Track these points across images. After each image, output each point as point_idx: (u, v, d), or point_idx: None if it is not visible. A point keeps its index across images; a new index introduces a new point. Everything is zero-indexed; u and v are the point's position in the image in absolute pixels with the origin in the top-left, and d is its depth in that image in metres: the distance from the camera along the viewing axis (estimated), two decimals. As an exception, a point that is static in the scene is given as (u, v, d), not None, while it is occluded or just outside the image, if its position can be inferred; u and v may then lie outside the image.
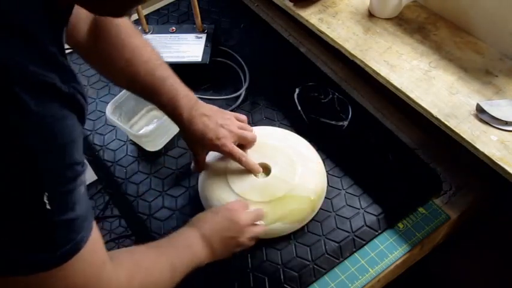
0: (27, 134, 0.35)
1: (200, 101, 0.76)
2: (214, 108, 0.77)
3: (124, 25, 0.71)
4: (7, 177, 0.35)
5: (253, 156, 0.76)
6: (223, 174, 0.76)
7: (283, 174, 0.75)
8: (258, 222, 0.71)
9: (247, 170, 0.75)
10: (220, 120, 0.75)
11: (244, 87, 0.95)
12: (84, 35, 0.69)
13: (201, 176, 0.79)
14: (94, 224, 0.46)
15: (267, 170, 0.77)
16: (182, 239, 0.64)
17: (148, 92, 0.71)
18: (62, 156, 0.38)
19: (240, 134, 0.76)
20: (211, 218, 0.68)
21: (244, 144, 0.77)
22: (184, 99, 0.72)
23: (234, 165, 0.76)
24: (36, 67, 0.35)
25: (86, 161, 0.44)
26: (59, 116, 0.37)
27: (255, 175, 0.75)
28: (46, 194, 0.37)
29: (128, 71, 0.70)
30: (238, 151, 0.74)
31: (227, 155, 0.74)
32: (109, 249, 0.50)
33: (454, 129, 0.73)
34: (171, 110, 0.72)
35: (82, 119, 0.41)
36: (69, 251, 0.41)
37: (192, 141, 0.74)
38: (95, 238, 0.45)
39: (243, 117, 0.80)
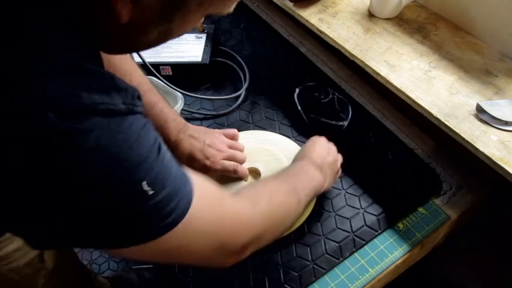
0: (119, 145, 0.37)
1: (189, 124, 0.77)
2: (202, 128, 0.79)
3: None
4: (106, 179, 0.37)
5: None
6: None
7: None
8: None
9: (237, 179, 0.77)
10: (207, 140, 0.76)
11: (244, 87, 0.95)
12: None
13: None
14: (195, 173, 0.47)
15: (256, 174, 0.77)
16: (298, 168, 0.67)
17: None
18: (140, 149, 0.39)
19: (229, 154, 0.77)
20: (314, 147, 0.73)
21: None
22: (172, 123, 0.74)
23: (221, 174, 0.76)
24: (103, 97, 0.37)
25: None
26: (120, 121, 0.38)
27: (245, 180, 0.77)
28: (145, 181, 0.39)
29: None
30: (230, 164, 0.75)
31: (221, 171, 0.75)
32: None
33: (454, 129, 0.73)
34: (160, 135, 0.73)
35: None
36: (182, 209, 0.43)
37: (182, 163, 0.75)
38: (202, 185, 0.47)
39: (232, 131, 0.82)
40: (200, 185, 0.46)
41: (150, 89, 0.74)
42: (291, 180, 0.62)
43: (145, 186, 0.39)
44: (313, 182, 0.66)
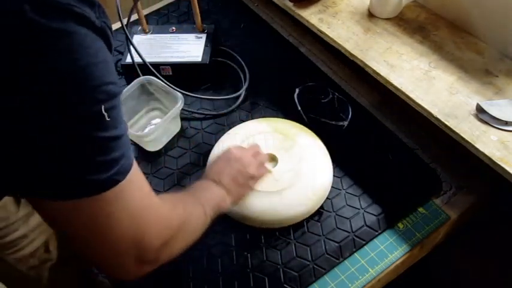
0: (77, 53, 0.37)
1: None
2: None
3: None
4: (66, 95, 0.37)
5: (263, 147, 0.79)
6: None
7: (289, 167, 0.77)
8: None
9: None
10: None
11: (244, 87, 0.95)
12: None
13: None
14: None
15: (273, 161, 0.78)
16: (198, 186, 0.66)
17: None
18: (105, 71, 0.39)
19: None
20: (213, 164, 0.71)
21: None
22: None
23: None
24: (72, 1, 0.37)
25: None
26: (94, 38, 0.39)
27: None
28: (103, 105, 0.38)
29: None
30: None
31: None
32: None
33: (454, 129, 0.73)
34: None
35: (110, 51, 0.43)
36: (124, 167, 0.42)
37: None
38: (137, 167, 0.47)
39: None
40: (136, 166, 0.46)
41: None
42: (197, 194, 0.62)
43: (103, 110, 0.38)
44: (214, 197, 0.64)
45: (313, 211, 0.76)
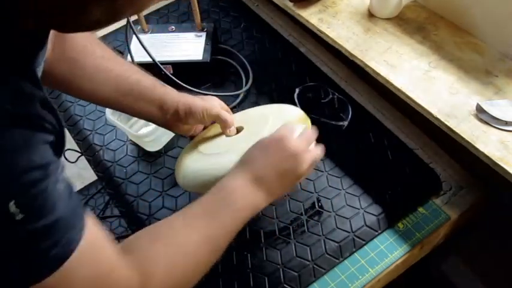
0: None
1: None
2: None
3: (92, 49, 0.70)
4: None
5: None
6: (195, 146, 0.74)
7: (253, 130, 0.71)
8: (312, 146, 0.63)
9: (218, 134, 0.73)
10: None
11: (245, 88, 0.95)
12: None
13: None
14: (94, 226, 0.43)
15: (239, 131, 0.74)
16: (225, 196, 0.56)
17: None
18: (14, 163, 0.35)
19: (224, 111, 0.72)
20: (261, 153, 0.60)
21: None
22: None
23: (204, 134, 0.75)
24: None
25: (63, 159, 0.42)
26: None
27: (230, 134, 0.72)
28: (12, 202, 0.34)
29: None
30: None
31: (223, 114, 0.71)
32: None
33: (454, 129, 0.73)
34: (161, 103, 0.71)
35: (43, 130, 0.39)
36: (59, 255, 0.39)
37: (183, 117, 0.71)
38: (96, 242, 0.43)
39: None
40: (94, 243, 0.42)
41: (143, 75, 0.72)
42: (208, 223, 0.53)
43: (12, 207, 0.34)
44: (241, 214, 0.56)
45: None
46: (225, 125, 0.72)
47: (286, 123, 0.66)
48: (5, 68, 0.37)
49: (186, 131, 0.75)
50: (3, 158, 0.34)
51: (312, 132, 0.64)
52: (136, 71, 0.72)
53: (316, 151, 0.63)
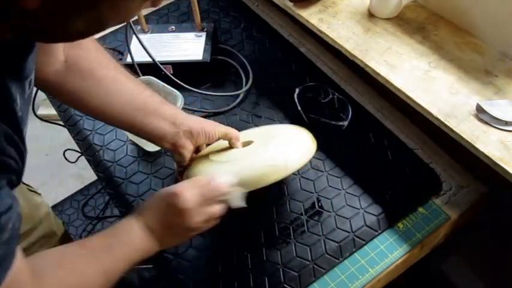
0: None
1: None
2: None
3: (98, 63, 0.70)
4: None
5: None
6: (205, 156, 0.74)
7: (262, 141, 0.73)
8: (225, 183, 0.63)
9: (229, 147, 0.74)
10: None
11: (245, 88, 0.95)
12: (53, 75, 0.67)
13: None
14: (19, 257, 0.45)
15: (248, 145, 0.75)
16: (119, 235, 0.60)
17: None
18: None
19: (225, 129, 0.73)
20: (154, 205, 0.63)
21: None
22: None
23: (215, 147, 0.75)
24: None
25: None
26: None
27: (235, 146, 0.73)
28: None
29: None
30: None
31: (230, 129, 0.73)
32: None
33: (454, 129, 0.73)
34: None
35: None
36: None
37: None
38: (17, 274, 0.44)
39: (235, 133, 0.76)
40: (17, 280, 0.44)
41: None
42: (103, 258, 0.57)
43: None
44: (133, 254, 0.59)
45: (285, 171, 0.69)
46: (235, 138, 0.73)
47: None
48: None
49: (187, 154, 0.72)
50: None
51: (214, 187, 0.62)
52: (146, 87, 0.72)
53: (213, 209, 0.62)
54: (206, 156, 0.74)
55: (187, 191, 0.61)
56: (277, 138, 0.73)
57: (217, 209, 0.63)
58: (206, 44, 0.97)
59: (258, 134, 0.78)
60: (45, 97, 1.00)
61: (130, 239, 0.60)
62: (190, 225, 0.61)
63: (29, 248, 0.74)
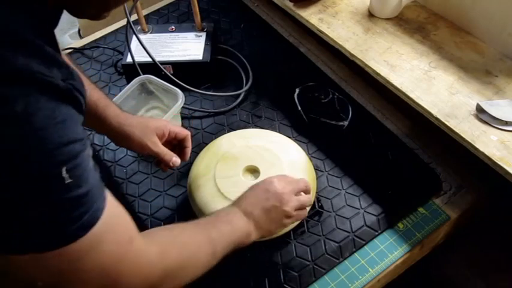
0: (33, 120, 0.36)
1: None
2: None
3: None
4: (22, 160, 0.36)
5: (241, 159, 0.77)
6: (211, 177, 0.76)
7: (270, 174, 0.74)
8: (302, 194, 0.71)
9: (236, 173, 0.76)
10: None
11: (245, 88, 0.95)
12: None
13: (190, 179, 0.79)
14: (114, 200, 0.46)
15: (255, 172, 0.77)
16: (222, 216, 0.64)
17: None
18: (65, 131, 0.38)
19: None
20: (250, 193, 0.68)
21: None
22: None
23: (222, 168, 0.76)
24: (40, 67, 0.36)
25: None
26: (50, 98, 0.38)
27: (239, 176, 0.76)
28: (64, 167, 0.38)
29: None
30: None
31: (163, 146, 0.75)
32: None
33: (454, 129, 0.73)
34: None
35: (80, 111, 0.42)
36: (88, 223, 0.41)
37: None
38: (116, 213, 0.46)
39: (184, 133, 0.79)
40: (115, 213, 0.45)
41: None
42: (210, 229, 0.60)
43: (64, 172, 0.37)
44: (236, 233, 0.62)
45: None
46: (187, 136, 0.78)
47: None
48: (53, 48, 0.39)
49: (162, 150, 0.75)
50: (57, 128, 0.37)
51: (301, 181, 0.71)
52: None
53: (303, 197, 0.70)
54: (215, 184, 0.75)
55: (280, 180, 0.68)
56: (280, 168, 0.75)
57: (307, 198, 0.71)
58: (206, 44, 0.97)
59: (260, 153, 0.78)
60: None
61: (233, 221, 0.63)
62: (285, 209, 0.67)
63: None
